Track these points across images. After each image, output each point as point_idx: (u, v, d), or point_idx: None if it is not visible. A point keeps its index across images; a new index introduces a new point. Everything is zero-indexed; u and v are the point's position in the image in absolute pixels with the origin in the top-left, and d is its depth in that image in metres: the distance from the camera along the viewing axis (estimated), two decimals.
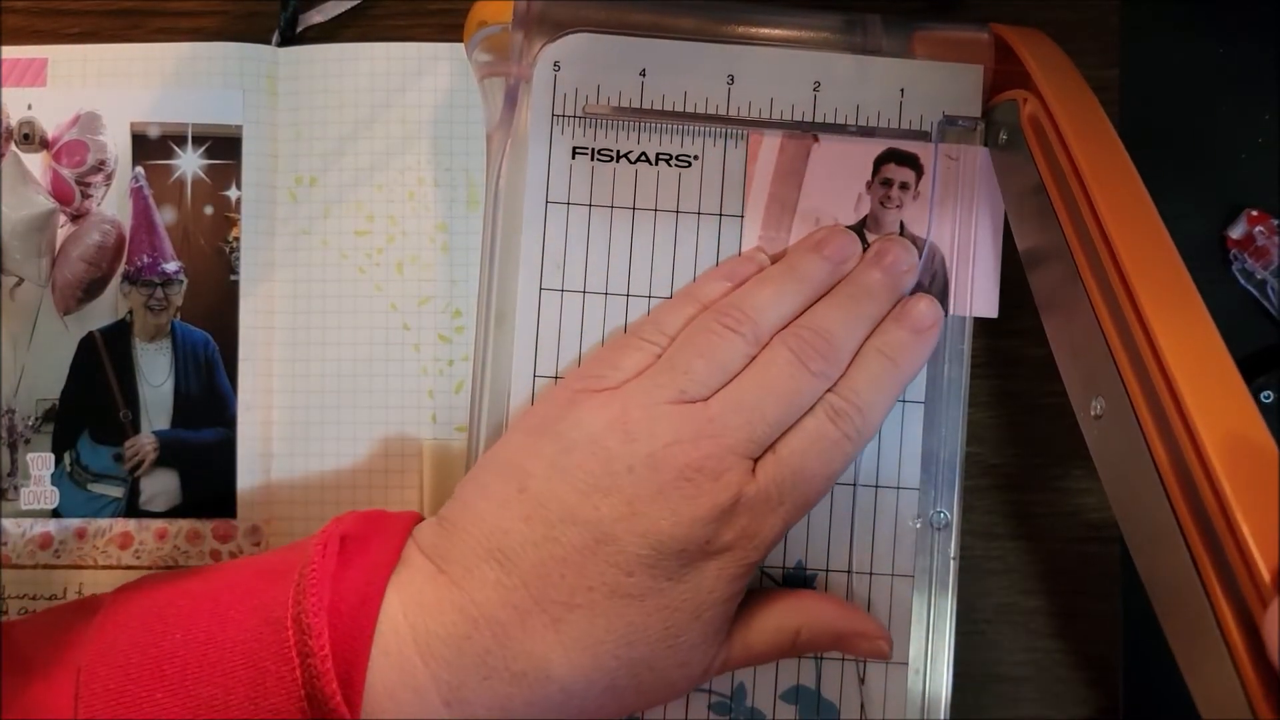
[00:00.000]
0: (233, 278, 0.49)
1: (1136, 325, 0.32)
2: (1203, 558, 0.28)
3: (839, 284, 0.43)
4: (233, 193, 0.49)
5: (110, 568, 0.49)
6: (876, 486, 0.45)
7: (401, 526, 0.41)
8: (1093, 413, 0.35)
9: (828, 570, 0.45)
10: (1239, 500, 0.28)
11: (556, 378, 0.44)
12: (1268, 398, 0.49)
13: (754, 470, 0.39)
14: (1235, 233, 0.50)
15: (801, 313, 0.42)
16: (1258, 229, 0.49)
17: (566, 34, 0.45)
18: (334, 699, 0.35)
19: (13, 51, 0.50)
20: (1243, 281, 0.50)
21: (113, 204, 0.49)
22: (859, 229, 0.45)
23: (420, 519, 0.42)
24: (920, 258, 0.44)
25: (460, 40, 0.47)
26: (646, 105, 0.45)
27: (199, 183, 0.49)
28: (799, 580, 0.45)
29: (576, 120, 0.45)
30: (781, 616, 0.42)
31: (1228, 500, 0.28)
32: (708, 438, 0.39)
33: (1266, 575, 0.26)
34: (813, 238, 0.44)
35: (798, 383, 0.40)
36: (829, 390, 0.41)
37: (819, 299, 0.43)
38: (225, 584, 0.39)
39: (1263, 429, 0.29)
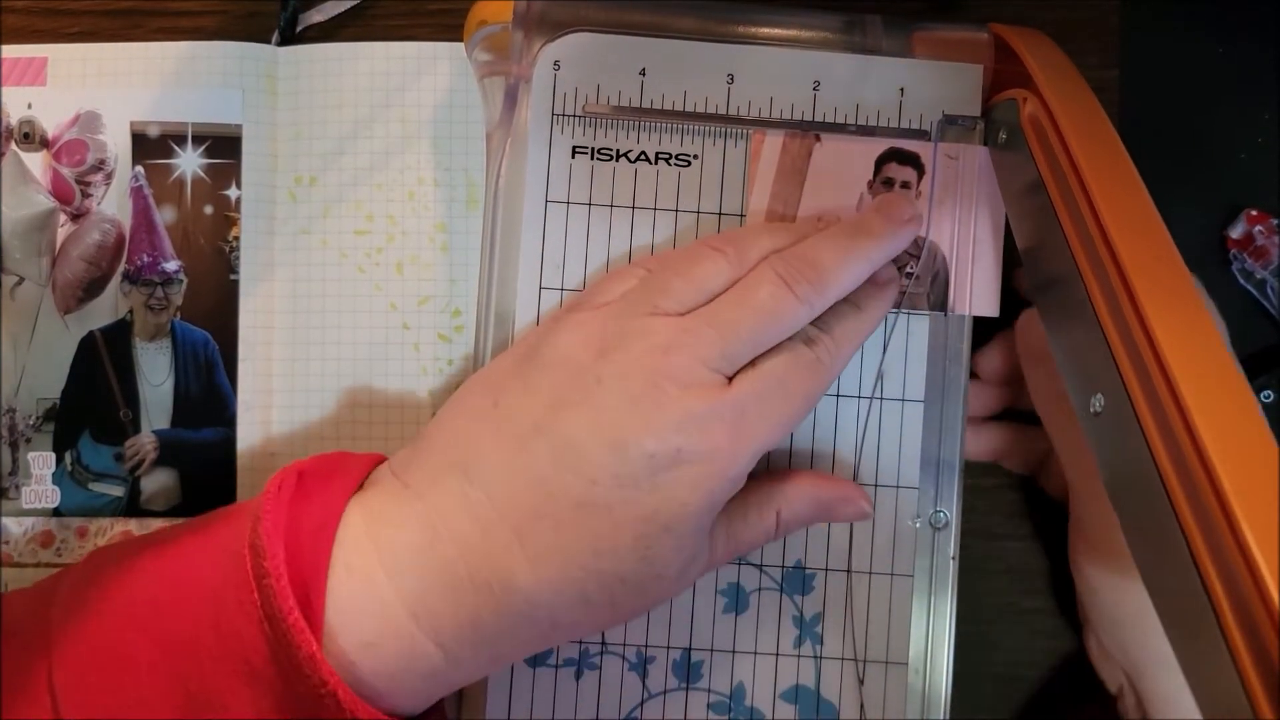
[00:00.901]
0: (232, 277, 0.49)
1: (1136, 323, 0.32)
2: (1203, 556, 0.28)
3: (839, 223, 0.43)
4: (232, 192, 0.49)
5: None
6: (876, 486, 0.45)
7: (364, 461, 0.41)
8: (1092, 410, 0.34)
9: (827, 569, 0.45)
10: (1239, 498, 0.28)
11: None
12: (1268, 397, 0.49)
13: (731, 383, 0.38)
14: (1235, 233, 0.50)
15: None
16: (1257, 229, 0.49)
17: (566, 33, 0.45)
18: (290, 615, 0.34)
19: (13, 50, 0.50)
20: (1242, 281, 0.50)
21: (113, 203, 0.49)
22: None
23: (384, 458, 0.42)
24: (921, 253, 0.44)
25: (460, 40, 0.47)
26: (646, 104, 0.45)
27: (199, 182, 0.49)
28: (798, 580, 0.45)
29: (576, 119, 0.45)
30: (760, 504, 0.42)
31: (1228, 498, 0.28)
32: (679, 347, 0.38)
33: (1267, 574, 0.26)
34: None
35: (780, 304, 0.39)
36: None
37: None
38: (189, 530, 0.39)
39: (1263, 425, 0.29)
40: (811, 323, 0.40)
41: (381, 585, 0.36)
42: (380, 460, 0.42)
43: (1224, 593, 0.28)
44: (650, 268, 0.42)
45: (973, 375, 0.47)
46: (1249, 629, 0.27)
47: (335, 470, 0.40)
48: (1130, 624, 0.45)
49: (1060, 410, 0.43)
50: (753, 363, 0.39)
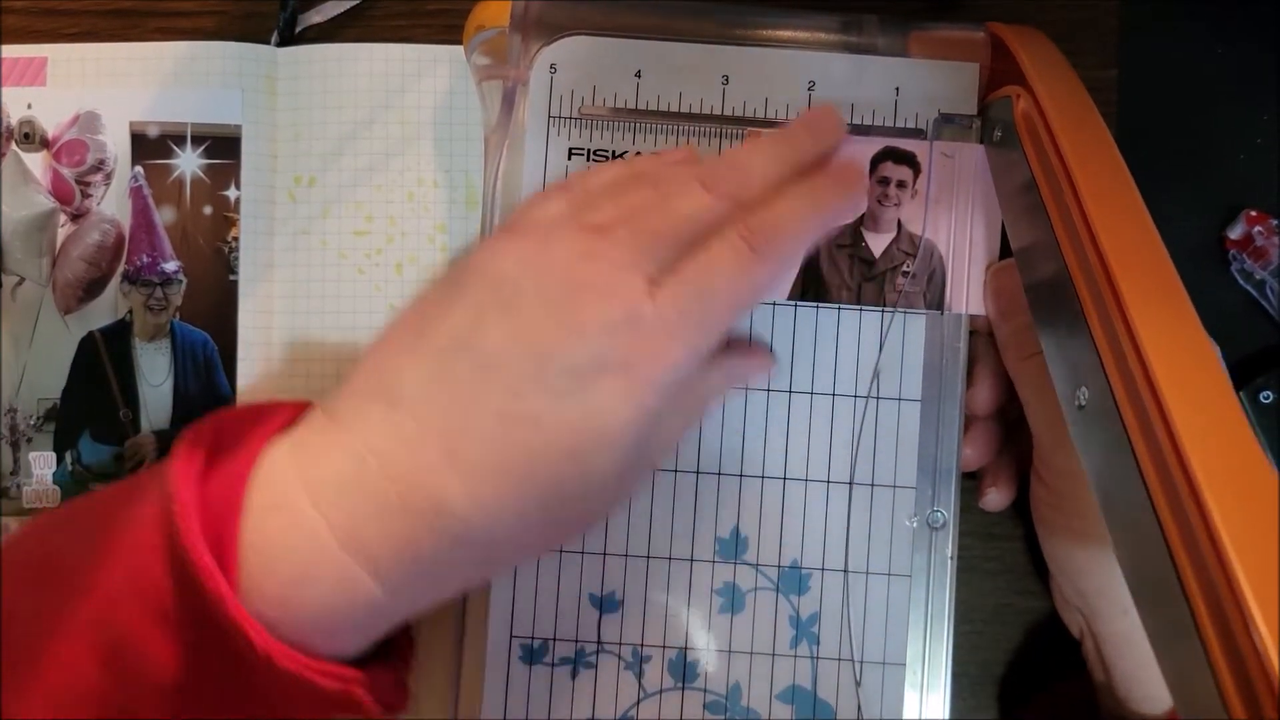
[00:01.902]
0: (231, 278, 0.49)
1: (1119, 318, 0.33)
2: (1179, 551, 0.28)
3: None
4: (232, 192, 0.49)
5: None
6: (872, 485, 0.45)
7: (289, 408, 0.40)
8: (1077, 403, 0.34)
9: (823, 569, 0.45)
10: (1213, 493, 0.28)
11: None
12: (1267, 398, 0.48)
13: (655, 289, 0.37)
14: (1234, 233, 0.50)
15: None
16: (1256, 229, 0.49)
17: (563, 36, 0.45)
18: (200, 559, 0.33)
19: (12, 51, 0.50)
20: (1242, 282, 0.50)
21: (112, 203, 0.50)
22: (856, 227, 0.45)
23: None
24: (918, 251, 0.44)
25: (459, 41, 0.47)
26: (642, 106, 0.45)
27: (198, 182, 0.50)
28: (794, 580, 0.45)
29: (573, 121, 0.45)
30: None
31: (1202, 493, 0.28)
32: (597, 254, 0.37)
33: (1239, 570, 0.26)
34: None
35: (701, 203, 0.38)
36: (738, 215, 0.39)
37: None
38: (115, 489, 0.38)
39: (1241, 421, 0.29)
40: (755, 210, 0.39)
41: (310, 519, 0.35)
42: (310, 405, 0.41)
43: (1198, 588, 0.28)
44: (574, 189, 0.41)
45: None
46: (1222, 624, 0.27)
47: (257, 417, 0.39)
48: (1086, 570, 0.45)
49: (1029, 361, 0.43)
50: (677, 266, 0.38)
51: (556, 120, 0.45)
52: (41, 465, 0.50)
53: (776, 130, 0.43)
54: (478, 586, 0.39)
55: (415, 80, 0.50)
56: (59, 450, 0.50)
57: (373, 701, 0.37)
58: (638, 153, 0.45)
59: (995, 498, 0.48)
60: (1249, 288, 0.50)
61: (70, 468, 0.50)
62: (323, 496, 0.35)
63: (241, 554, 0.35)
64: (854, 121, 0.45)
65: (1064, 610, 0.48)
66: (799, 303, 0.45)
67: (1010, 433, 0.48)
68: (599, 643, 0.45)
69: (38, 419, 0.50)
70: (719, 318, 0.38)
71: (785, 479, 0.45)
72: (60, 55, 0.50)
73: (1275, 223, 0.49)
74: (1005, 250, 0.44)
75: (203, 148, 0.50)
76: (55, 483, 0.50)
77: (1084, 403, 0.34)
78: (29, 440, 0.50)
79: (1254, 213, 0.50)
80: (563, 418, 0.36)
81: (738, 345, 0.45)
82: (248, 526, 0.35)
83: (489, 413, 0.36)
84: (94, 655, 0.34)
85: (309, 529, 0.35)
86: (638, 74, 0.45)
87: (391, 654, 0.41)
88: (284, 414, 0.39)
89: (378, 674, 0.38)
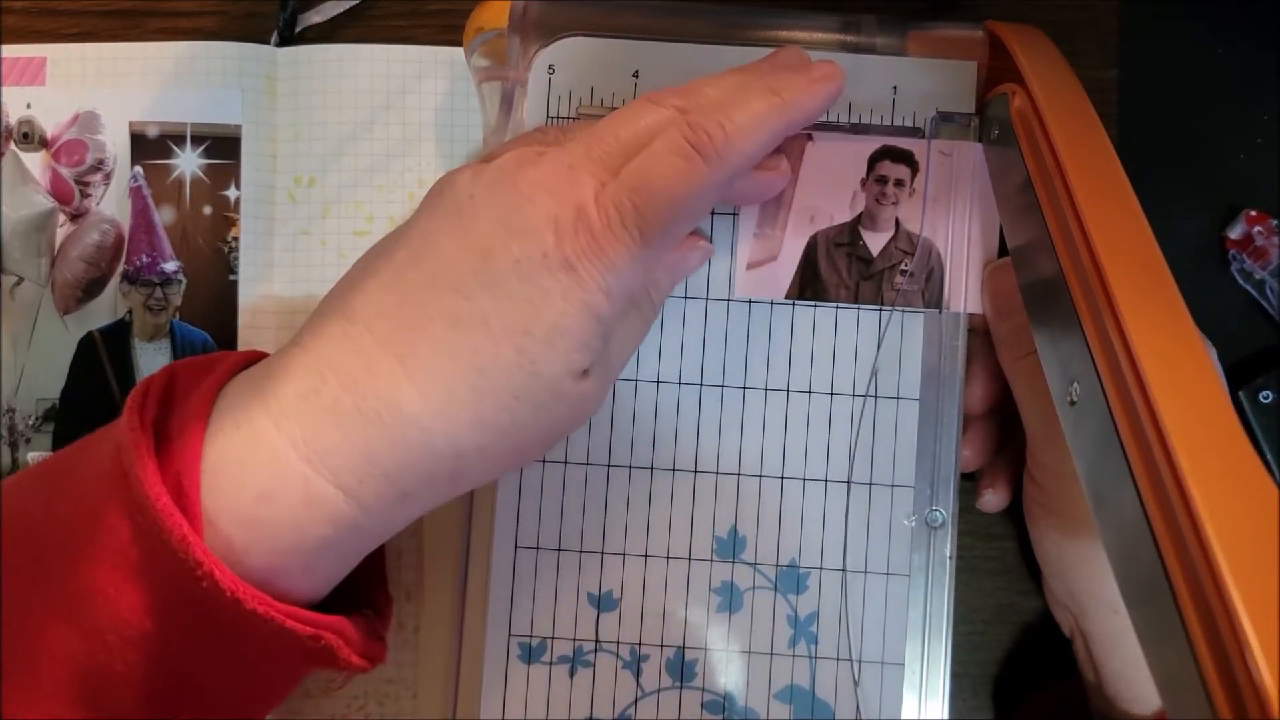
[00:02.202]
0: (231, 278, 0.50)
1: (1109, 313, 0.32)
2: (1167, 548, 0.28)
3: None
4: (231, 193, 0.50)
5: None
6: (871, 484, 0.45)
7: (242, 355, 0.40)
8: (1069, 399, 0.34)
9: (821, 568, 0.45)
10: (1200, 489, 0.27)
11: None
12: (1267, 398, 0.48)
13: (601, 186, 0.37)
14: (1234, 233, 0.50)
15: None
16: (1256, 229, 0.49)
17: (561, 38, 0.45)
18: (158, 501, 0.34)
19: (12, 50, 0.50)
20: (1241, 282, 0.50)
21: (111, 203, 0.50)
22: (854, 226, 0.45)
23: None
24: (916, 250, 0.44)
25: (459, 43, 0.47)
26: None
27: (198, 182, 0.50)
28: (792, 579, 0.45)
29: (571, 122, 0.45)
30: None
31: (1189, 489, 0.28)
32: (548, 158, 0.37)
33: (1225, 568, 0.26)
34: None
35: (654, 115, 0.38)
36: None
37: None
38: (74, 448, 0.39)
39: (1231, 419, 0.29)
40: (709, 107, 0.38)
41: (270, 435, 0.35)
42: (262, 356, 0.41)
43: (1185, 585, 0.28)
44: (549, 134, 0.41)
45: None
46: (1208, 622, 0.27)
47: (211, 364, 0.39)
48: (1075, 569, 0.45)
49: (1024, 361, 0.43)
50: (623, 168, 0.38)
51: (555, 121, 0.45)
52: None
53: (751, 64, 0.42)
54: (448, 500, 0.39)
55: (416, 81, 0.50)
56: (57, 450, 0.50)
57: (348, 651, 0.37)
58: None
59: (992, 499, 0.48)
60: (1249, 288, 0.50)
61: None
62: (282, 413, 0.36)
63: (205, 477, 0.35)
64: (852, 120, 0.45)
65: (1055, 609, 0.48)
66: (797, 301, 0.45)
67: (1007, 434, 0.48)
68: (597, 642, 0.45)
69: (36, 419, 0.50)
70: (658, 218, 0.37)
71: (783, 478, 0.45)
72: (60, 55, 0.50)
73: (1275, 223, 0.49)
74: (1003, 249, 0.44)
75: (202, 148, 0.50)
76: None
77: (1076, 399, 0.34)
78: (28, 441, 0.50)
79: (1254, 213, 0.50)
80: (510, 316, 0.36)
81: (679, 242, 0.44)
82: (211, 448, 0.35)
83: (439, 317, 0.36)
84: (60, 611, 0.35)
85: (270, 445, 0.35)
86: (635, 74, 0.45)
87: (369, 607, 0.41)
88: (237, 357, 0.40)
89: (354, 622, 0.38)
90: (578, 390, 0.38)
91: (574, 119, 0.45)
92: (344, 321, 0.37)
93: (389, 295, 0.37)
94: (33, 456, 0.50)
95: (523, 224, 0.36)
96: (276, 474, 0.35)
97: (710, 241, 0.45)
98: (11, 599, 0.35)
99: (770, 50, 0.42)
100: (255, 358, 0.40)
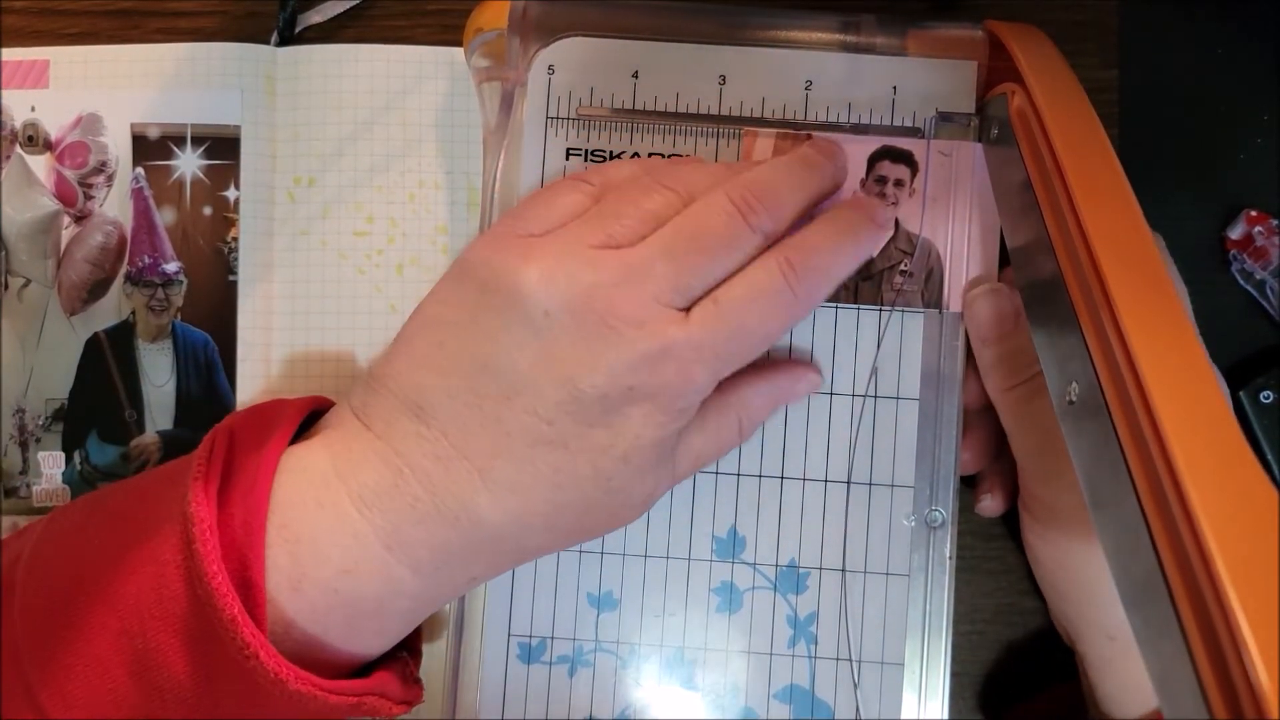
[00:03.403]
0: (231, 278, 0.50)
1: (1107, 313, 0.32)
2: (1164, 548, 0.28)
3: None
4: (231, 193, 0.50)
5: None
6: (870, 484, 0.45)
7: (298, 406, 0.41)
8: (1068, 399, 0.34)
9: (821, 568, 0.45)
10: (1197, 489, 0.27)
11: None
12: (1267, 398, 0.48)
13: (687, 317, 0.38)
14: (1234, 233, 0.50)
15: None
16: (1257, 229, 0.49)
17: (561, 38, 0.45)
18: (214, 579, 0.34)
19: (15, 53, 0.50)
20: (1242, 282, 0.50)
21: (114, 205, 0.50)
22: None
23: (322, 400, 0.43)
24: (915, 250, 0.44)
25: (459, 43, 0.47)
26: (639, 106, 0.45)
27: (198, 183, 0.50)
28: (791, 579, 0.45)
29: (571, 122, 0.45)
30: (719, 414, 0.42)
31: (1186, 489, 0.28)
32: (631, 283, 0.37)
33: (1222, 568, 0.26)
34: None
35: (734, 231, 0.38)
36: (777, 244, 0.40)
37: None
38: (136, 491, 0.39)
39: (1228, 418, 0.29)
40: (793, 241, 0.40)
41: (354, 519, 0.37)
42: (316, 401, 0.42)
43: (1182, 587, 0.28)
44: (590, 181, 0.41)
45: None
46: (1205, 624, 0.27)
47: (269, 421, 0.40)
48: (1071, 595, 0.45)
49: (1012, 392, 0.43)
50: (713, 294, 0.38)
51: (555, 121, 0.45)
52: (51, 465, 0.50)
53: (796, 154, 0.43)
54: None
55: (416, 82, 0.50)
56: (67, 450, 0.50)
57: (389, 706, 0.39)
58: (635, 154, 0.45)
59: (991, 504, 0.48)
60: (1249, 288, 0.50)
61: (79, 467, 0.50)
62: (365, 501, 0.37)
63: (289, 548, 0.36)
64: (852, 120, 0.45)
65: (1055, 622, 0.48)
66: None
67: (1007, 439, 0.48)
68: (596, 641, 0.45)
69: (46, 419, 0.50)
70: (749, 351, 0.39)
71: (783, 478, 0.45)
72: (62, 58, 0.50)
73: (1275, 223, 0.49)
74: (1003, 250, 0.44)
75: (202, 148, 0.50)
76: (64, 482, 0.50)
77: (1074, 399, 0.34)
78: (38, 440, 0.50)
79: (1254, 213, 0.50)
80: (590, 442, 0.37)
81: (780, 362, 0.45)
82: (293, 519, 0.37)
83: (518, 436, 0.37)
84: (124, 664, 0.36)
85: (354, 529, 0.37)
86: (635, 74, 0.45)
87: (406, 648, 0.42)
88: (295, 412, 0.40)
89: (394, 671, 0.40)
90: (644, 498, 0.40)
91: (574, 119, 0.45)
92: (418, 422, 0.38)
93: (463, 405, 0.37)
94: (42, 456, 0.50)
95: (613, 360, 0.37)
96: (361, 556, 0.37)
97: None
98: (79, 643, 0.36)
99: (768, 47, 0.43)
100: (307, 406, 0.41)
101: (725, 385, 0.41)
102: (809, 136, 0.45)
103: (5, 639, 0.37)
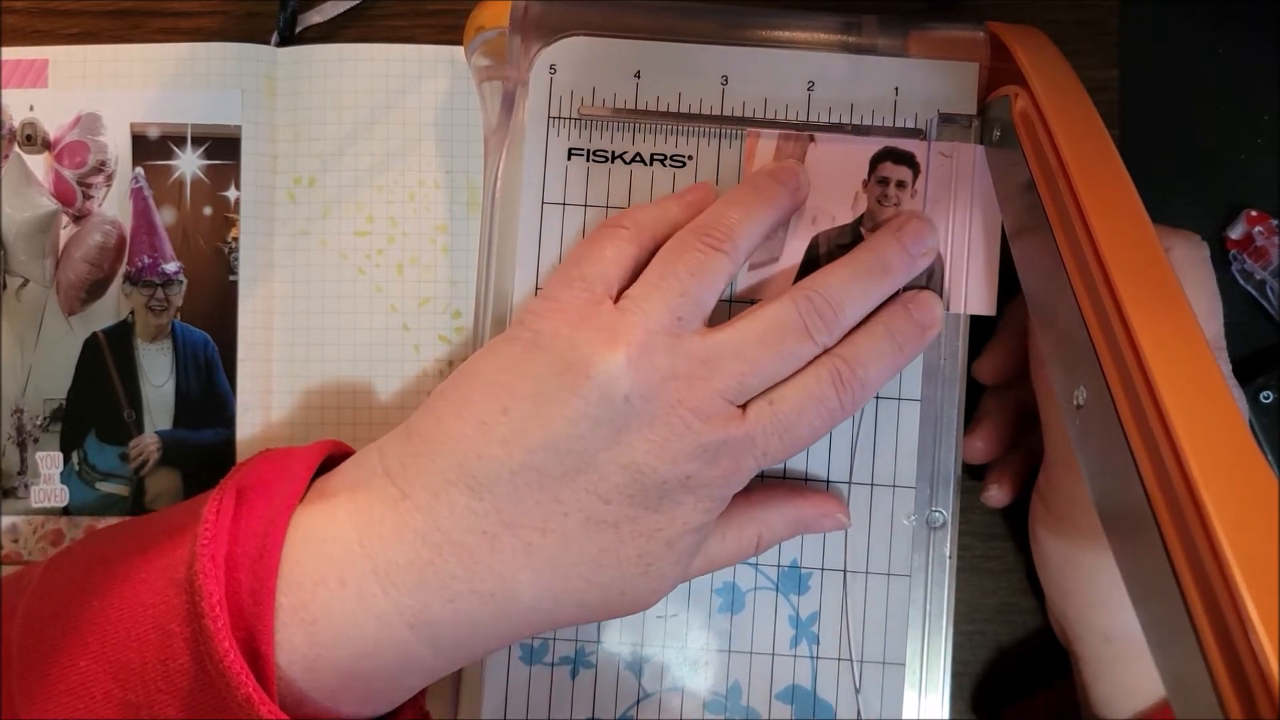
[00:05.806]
0: (231, 278, 0.50)
1: (1115, 315, 0.32)
2: (1176, 549, 0.28)
3: (856, 249, 0.43)
4: (231, 193, 0.50)
5: None
6: (871, 485, 0.45)
7: (304, 466, 0.40)
8: (1075, 402, 0.34)
9: (822, 569, 0.45)
10: (1210, 491, 0.28)
11: None
12: (1267, 398, 0.48)
13: (744, 413, 0.39)
14: (1234, 233, 0.50)
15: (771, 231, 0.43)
16: (1257, 229, 0.49)
17: (562, 37, 0.45)
18: (226, 658, 0.34)
19: (14, 53, 0.50)
20: (1242, 282, 0.50)
21: (113, 205, 0.50)
22: (855, 227, 0.45)
23: (333, 446, 0.42)
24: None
25: (460, 42, 0.47)
26: (641, 106, 0.45)
27: (198, 183, 0.50)
28: (793, 580, 0.45)
29: (572, 122, 0.45)
30: (740, 524, 0.43)
31: (1199, 491, 0.28)
32: (701, 379, 0.38)
33: (1236, 568, 0.26)
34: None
35: (798, 344, 0.39)
36: (830, 352, 0.40)
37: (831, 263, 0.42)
38: (138, 545, 0.38)
39: (1238, 419, 0.29)
40: (846, 350, 0.40)
41: (378, 600, 0.37)
42: (326, 449, 0.41)
43: (1195, 587, 0.28)
44: (628, 230, 0.41)
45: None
46: (1219, 625, 0.27)
47: (276, 478, 0.39)
48: (1075, 593, 0.45)
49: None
50: (769, 394, 0.39)
51: (556, 121, 0.45)
52: (49, 465, 0.50)
53: (871, 249, 0.43)
54: None
55: (416, 81, 0.50)
56: (66, 450, 0.50)
57: None
58: (637, 154, 0.45)
59: (997, 494, 0.48)
60: (1249, 288, 0.50)
61: (77, 468, 0.50)
62: (392, 581, 0.37)
63: (305, 629, 0.36)
64: (853, 121, 0.45)
65: (1053, 622, 0.48)
66: None
67: (1022, 434, 0.48)
68: (599, 642, 0.45)
69: (44, 419, 0.50)
70: (793, 452, 0.40)
71: (784, 478, 0.45)
72: (61, 57, 0.50)
73: (1275, 223, 0.49)
74: (1004, 250, 0.44)
75: (202, 148, 0.50)
76: (63, 482, 0.50)
77: (1082, 402, 0.34)
78: (36, 441, 0.50)
79: (1254, 213, 0.50)
80: (641, 525, 0.38)
81: (812, 493, 0.45)
82: (313, 600, 0.36)
83: (575, 514, 0.38)
84: None
85: (377, 611, 0.37)
86: (637, 74, 0.45)
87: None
88: (304, 466, 0.40)
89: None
90: (663, 591, 0.40)
91: (576, 119, 0.45)
92: (471, 495, 0.37)
93: (526, 483, 0.37)
94: (41, 456, 0.50)
95: (677, 449, 0.38)
96: (380, 637, 0.37)
97: None
98: (82, 700, 0.36)
99: (770, 47, 0.42)
100: (321, 455, 0.41)
101: (754, 498, 0.43)
102: (811, 138, 0.45)
103: (4, 700, 0.37)
